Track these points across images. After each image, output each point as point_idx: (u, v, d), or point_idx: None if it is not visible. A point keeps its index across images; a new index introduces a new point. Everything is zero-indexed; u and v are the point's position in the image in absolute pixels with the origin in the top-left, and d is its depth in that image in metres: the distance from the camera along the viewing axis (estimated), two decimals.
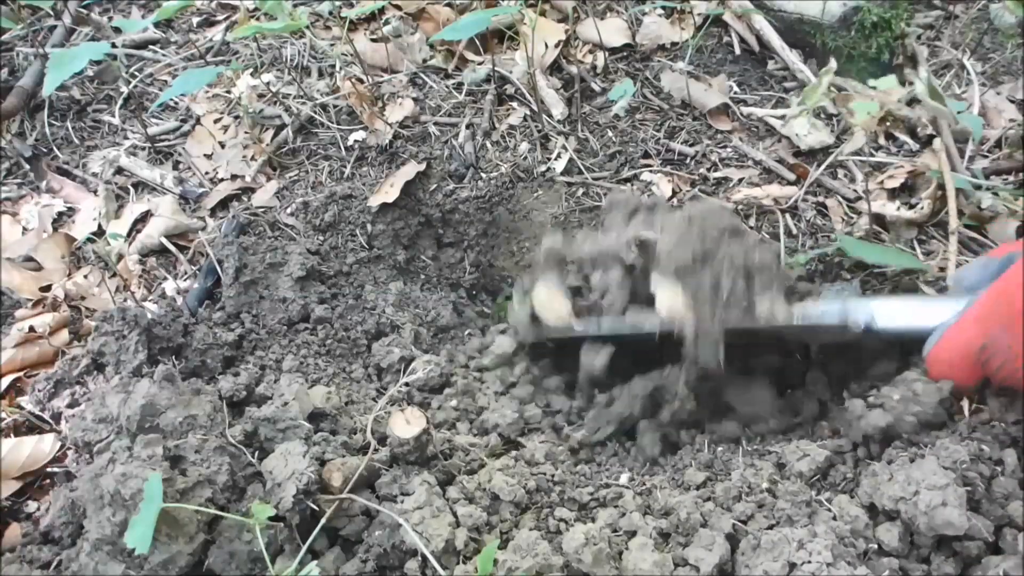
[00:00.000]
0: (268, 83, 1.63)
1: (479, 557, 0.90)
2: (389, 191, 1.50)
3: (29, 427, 1.23)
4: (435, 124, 1.60)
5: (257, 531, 0.93)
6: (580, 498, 1.06)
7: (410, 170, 1.53)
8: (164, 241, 1.48)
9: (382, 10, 1.74)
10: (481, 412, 1.27)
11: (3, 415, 1.21)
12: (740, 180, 1.51)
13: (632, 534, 0.98)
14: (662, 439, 1.22)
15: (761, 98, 1.64)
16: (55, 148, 1.64)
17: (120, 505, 0.93)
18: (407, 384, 1.30)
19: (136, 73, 1.72)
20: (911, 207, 1.42)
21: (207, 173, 1.59)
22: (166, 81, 1.71)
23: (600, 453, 1.23)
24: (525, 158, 1.57)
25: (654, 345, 1.16)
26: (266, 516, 0.92)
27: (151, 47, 1.79)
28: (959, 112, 1.47)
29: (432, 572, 0.93)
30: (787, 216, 1.44)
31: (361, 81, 1.62)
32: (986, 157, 1.53)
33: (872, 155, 1.52)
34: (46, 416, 1.22)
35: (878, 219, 1.40)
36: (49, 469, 1.17)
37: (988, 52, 1.70)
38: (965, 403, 1.06)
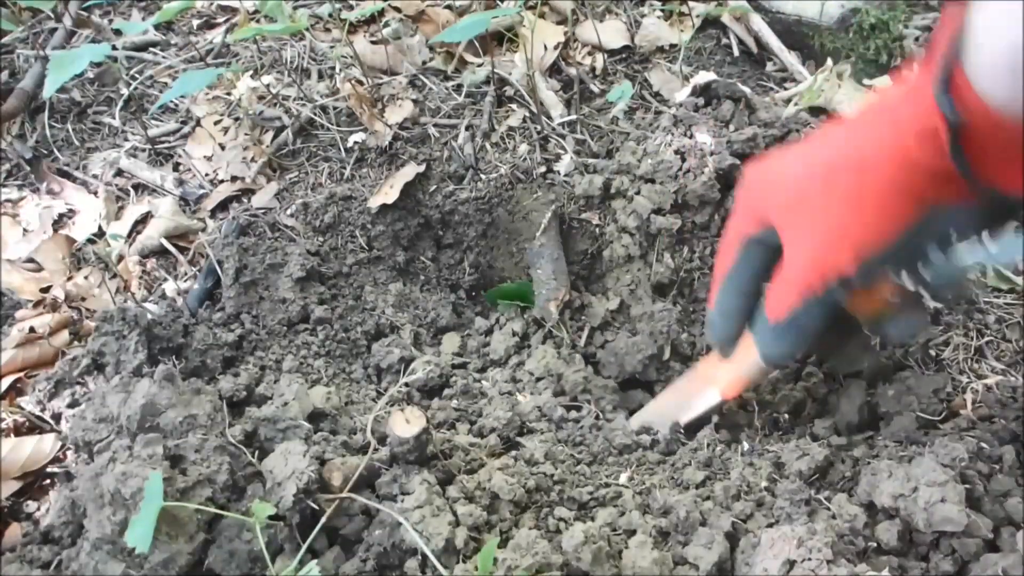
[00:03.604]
0: (268, 85, 1.63)
1: (479, 556, 0.90)
2: (389, 192, 1.50)
3: (29, 427, 1.23)
4: (435, 126, 1.60)
5: (257, 530, 0.93)
6: (580, 497, 1.07)
7: (410, 171, 1.53)
8: (164, 242, 1.48)
9: (382, 12, 1.75)
10: (481, 412, 1.27)
11: (3, 415, 1.21)
12: None
13: (631, 533, 0.99)
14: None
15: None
16: (55, 150, 1.65)
17: (120, 504, 0.93)
18: (407, 384, 1.30)
19: (136, 75, 1.73)
20: None
21: (207, 175, 1.60)
22: (166, 83, 1.72)
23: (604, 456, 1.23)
24: (525, 159, 1.57)
25: None
26: (266, 515, 0.92)
27: (151, 49, 1.79)
28: None
29: (432, 571, 0.93)
30: None
31: (361, 83, 1.63)
32: None
33: None
34: (46, 416, 1.22)
35: None
36: (49, 469, 1.17)
37: None
38: (968, 397, 1.07)
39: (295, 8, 1.79)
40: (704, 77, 1.51)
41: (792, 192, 0.91)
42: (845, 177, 0.85)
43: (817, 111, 1.62)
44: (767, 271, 0.99)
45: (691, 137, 1.42)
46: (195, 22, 1.84)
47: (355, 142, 1.58)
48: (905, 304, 0.90)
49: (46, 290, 1.43)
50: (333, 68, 1.70)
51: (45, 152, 1.65)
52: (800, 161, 0.93)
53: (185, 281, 1.43)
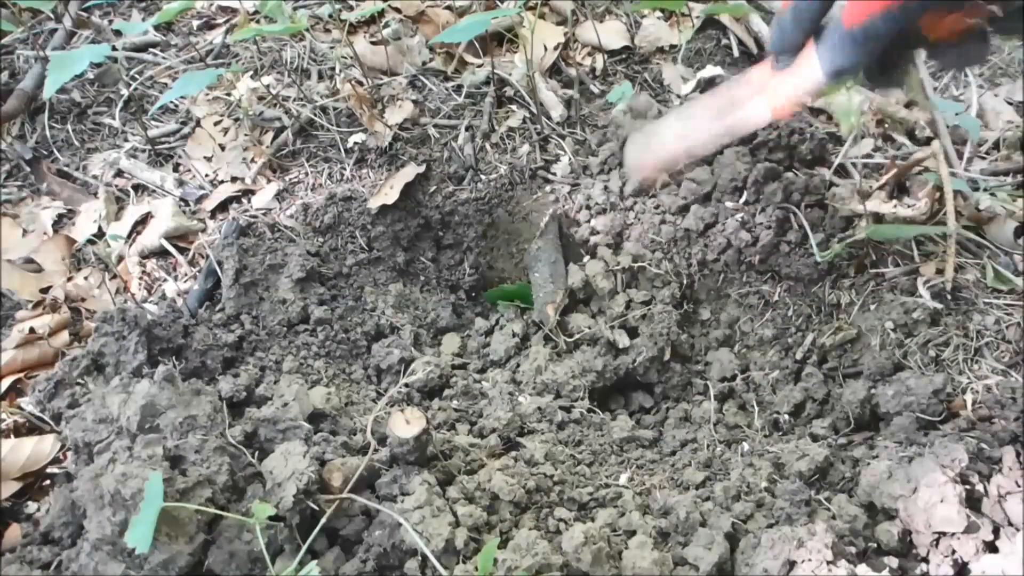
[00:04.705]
0: (268, 85, 1.63)
1: (479, 556, 0.90)
2: (389, 193, 1.50)
3: (29, 428, 1.23)
4: (434, 126, 1.60)
5: (257, 531, 0.93)
6: (580, 498, 1.07)
7: (410, 172, 1.53)
8: (164, 243, 1.48)
9: (382, 13, 1.75)
10: (481, 413, 1.27)
11: (3, 416, 1.21)
12: None
13: (631, 533, 0.99)
14: None
15: None
16: (55, 150, 1.65)
17: (120, 505, 0.93)
18: (407, 385, 1.30)
19: (136, 76, 1.73)
20: (909, 207, 1.42)
21: (207, 175, 1.59)
22: (166, 84, 1.72)
23: (601, 455, 1.23)
24: (524, 160, 1.57)
25: None
26: (266, 516, 0.92)
27: (151, 50, 1.79)
28: (957, 114, 1.48)
29: (432, 571, 0.93)
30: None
31: (361, 83, 1.63)
32: (984, 159, 1.53)
33: (871, 156, 1.53)
34: (46, 417, 1.22)
35: (876, 219, 1.40)
36: (49, 470, 1.17)
37: None
38: (968, 398, 1.06)
39: (295, 9, 1.79)
40: (710, 71, 1.51)
41: None
42: None
43: (817, 111, 1.62)
44: None
45: None
46: (195, 23, 1.84)
47: (355, 143, 1.58)
48: (976, 34, 0.91)
49: (46, 290, 1.43)
50: (333, 69, 1.70)
51: (45, 153, 1.65)
52: None
53: (185, 282, 1.43)
